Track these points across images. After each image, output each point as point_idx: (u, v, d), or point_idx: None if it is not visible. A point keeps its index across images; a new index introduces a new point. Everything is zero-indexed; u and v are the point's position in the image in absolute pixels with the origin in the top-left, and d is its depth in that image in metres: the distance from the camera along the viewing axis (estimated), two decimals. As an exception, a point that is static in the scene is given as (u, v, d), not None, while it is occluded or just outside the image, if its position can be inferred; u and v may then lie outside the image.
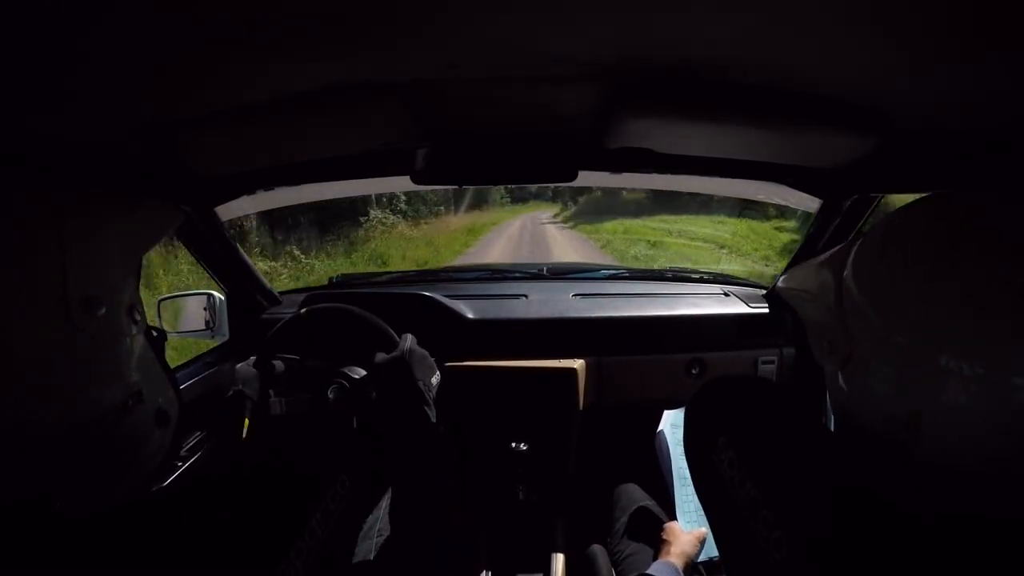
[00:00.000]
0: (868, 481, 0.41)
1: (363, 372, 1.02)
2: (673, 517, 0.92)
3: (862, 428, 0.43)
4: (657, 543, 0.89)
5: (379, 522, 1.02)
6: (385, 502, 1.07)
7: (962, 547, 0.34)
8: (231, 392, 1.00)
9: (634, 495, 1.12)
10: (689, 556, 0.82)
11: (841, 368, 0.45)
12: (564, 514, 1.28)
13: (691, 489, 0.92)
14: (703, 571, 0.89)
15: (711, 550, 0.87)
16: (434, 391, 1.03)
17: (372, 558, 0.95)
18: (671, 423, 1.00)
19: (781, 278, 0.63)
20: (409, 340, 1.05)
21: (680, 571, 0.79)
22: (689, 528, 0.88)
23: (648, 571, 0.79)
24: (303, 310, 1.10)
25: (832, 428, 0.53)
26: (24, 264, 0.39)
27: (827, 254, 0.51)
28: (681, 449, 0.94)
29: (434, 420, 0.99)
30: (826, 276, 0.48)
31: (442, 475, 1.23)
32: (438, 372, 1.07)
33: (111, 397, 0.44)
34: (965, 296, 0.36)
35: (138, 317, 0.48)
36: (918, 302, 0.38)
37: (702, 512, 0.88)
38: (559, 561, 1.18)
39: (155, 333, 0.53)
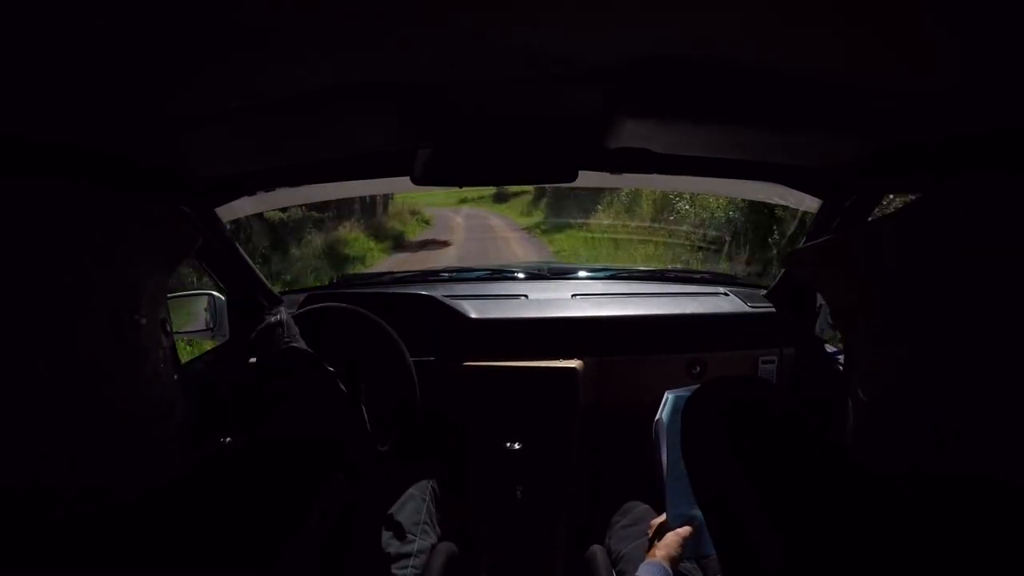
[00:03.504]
0: (868, 486, 0.41)
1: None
2: (663, 509, 0.92)
3: (893, 416, 0.41)
4: (646, 542, 0.89)
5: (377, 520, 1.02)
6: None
7: (963, 551, 0.34)
8: (267, 323, 0.96)
9: (634, 495, 1.12)
10: (675, 555, 0.82)
11: (871, 350, 0.43)
12: (564, 514, 1.28)
13: (682, 484, 0.91)
14: (692, 568, 0.89)
15: (699, 548, 0.87)
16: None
17: (369, 556, 0.95)
18: (671, 408, 0.95)
19: (799, 251, 0.61)
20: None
21: (668, 570, 0.79)
22: (679, 522, 0.88)
23: (637, 574, 0.79)
24: (328, 304, 1.07)
25: (851, 420, 0.52)
26: (76, 275, 0.40)
27: (848, 234, 0.50)
28: (679, 438, 0.93)
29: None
30: (856, 255, 0.47)
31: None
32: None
33: (148, 405, 0.44)
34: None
35: (169, 330, 0.49)
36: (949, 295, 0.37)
37: (690, 510, 0.88)
38: (559, 561, 1.18)
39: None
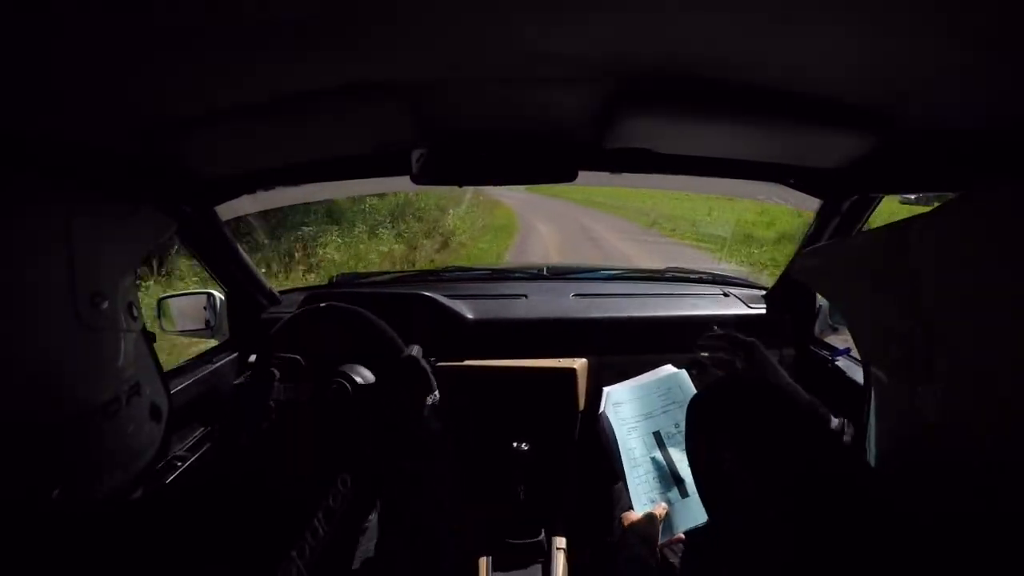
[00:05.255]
0: (872, 482, 0.41)
1: (364, 372, 1.02)
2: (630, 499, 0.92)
3: (952, 456, 0.35)
4: (618, 535, 0.89)
5: (380, 521, 1.02)
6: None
7: (963, 548, 0.34)
8: (241, 383, 0.97)
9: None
10: (653, 536, 0.82)
11: (922, 383, 0.36)
12: (564, 514, 1.28)
13: (641, 471, 0.92)
14: (672, 550, 0.89)
15: (669, 531, 0.87)
16: (435, 402, 1.04)
17: (374, 557, 0.95)
18: (612, 402, 0.99)
19: (799, 264, 0.58)
20: (416, 349, 1.06)
21: (643, 557, 0.79)
22: (646, 508, 0.87)
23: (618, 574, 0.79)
24: (322, 304, 1.10)
25: (873, 457, 0.46)
26: (36, 260, 0.41)
27: (864, 237, 0.44)
28: (627, 429, 0.96)
29: (433, 427, 1.00)
30: (882, 266, 0.40)
31: (438, 482, 1.22)
32: (437, 391, 1.07)
33: (112, 388, 0.45)
34: None
35: (136, 314, 0.49)
36: None
37: (656, 493, 0.88)
38: (559, 561, 1.18)
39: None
